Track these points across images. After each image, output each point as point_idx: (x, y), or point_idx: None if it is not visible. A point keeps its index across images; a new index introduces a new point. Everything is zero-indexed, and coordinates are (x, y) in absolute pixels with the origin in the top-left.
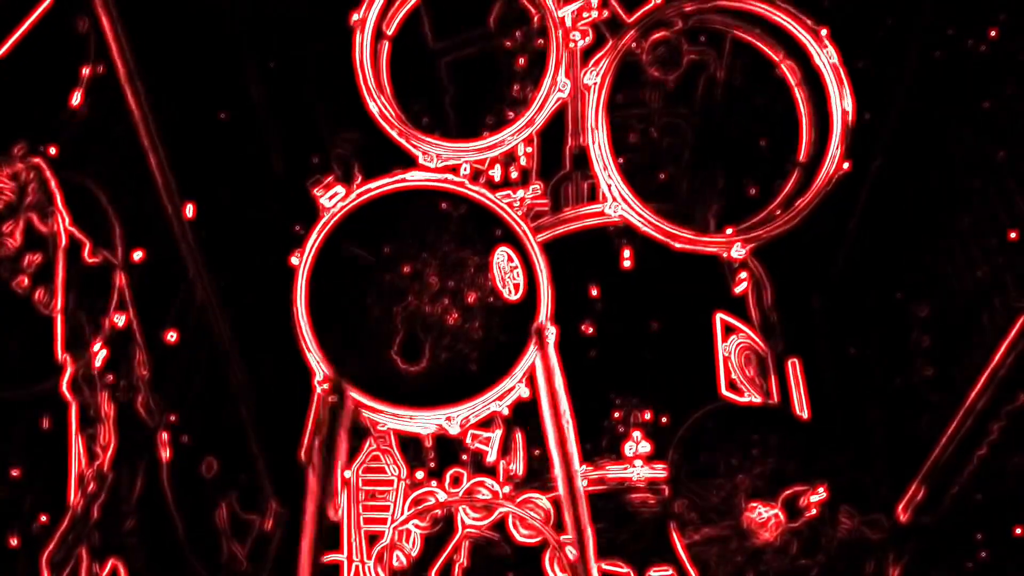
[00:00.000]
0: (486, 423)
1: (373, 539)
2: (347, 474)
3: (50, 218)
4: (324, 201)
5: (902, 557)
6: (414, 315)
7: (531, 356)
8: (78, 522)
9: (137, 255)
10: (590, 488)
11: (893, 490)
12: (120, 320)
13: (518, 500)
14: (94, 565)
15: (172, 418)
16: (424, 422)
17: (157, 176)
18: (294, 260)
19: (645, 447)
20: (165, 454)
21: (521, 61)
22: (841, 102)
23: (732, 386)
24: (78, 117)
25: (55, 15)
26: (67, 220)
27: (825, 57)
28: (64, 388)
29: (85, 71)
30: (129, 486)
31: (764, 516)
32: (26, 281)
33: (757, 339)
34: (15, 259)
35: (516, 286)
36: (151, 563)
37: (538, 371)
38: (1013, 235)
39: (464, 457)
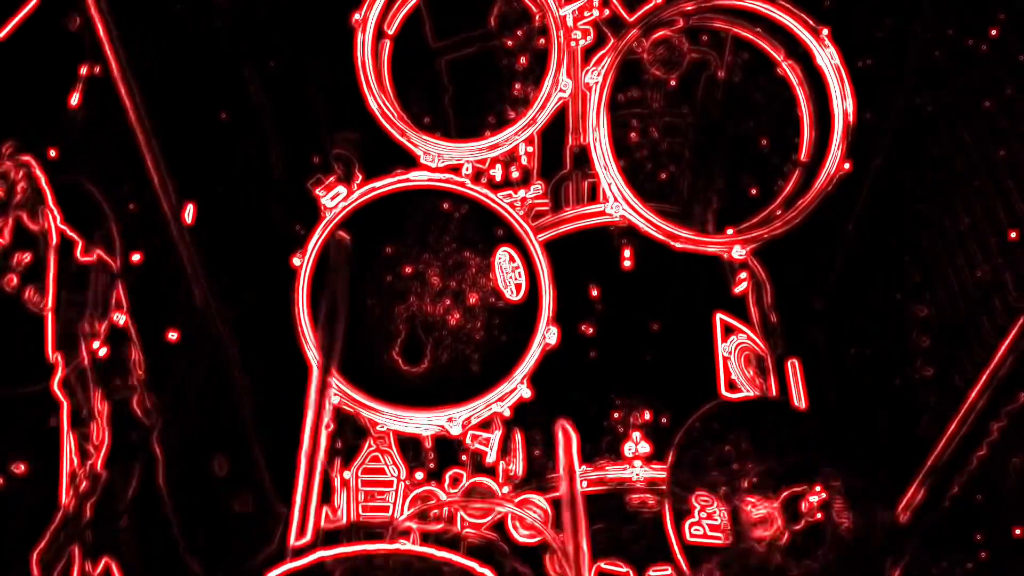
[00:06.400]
0: (486, 424)
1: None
2: (346, 475)
3: (40, 216)
4: (325, 201)
5: (902, 557)
6: (415, 315)
7: (531, 359)
8: (69, 521)
9: (135, 256)
10: (590, 489)
11: (893, 490)
12: (116, 320)
13: (517, 500)
14: (86, 564)
15: (168, 417)
16: (424, 423)
17: (153, 176)
18: (295, 261)
19: (645, 447)
20: (161, 453)
21: (522, 60)
22: (842, 102)
23: (732, 386)
24: (75, 117)
25: (50, 14)
26: (58, 218)
27: (826, 57)
28: (55, 387)
29: (82, 71)
30: (123, 485)
31: (761, 513)
32: (15, 280)
33: (757, 339)
34: (4, 258)
35: (517, 286)
36: (145, 562)
37: None
38: (1013, 235)
39: (464, 458)
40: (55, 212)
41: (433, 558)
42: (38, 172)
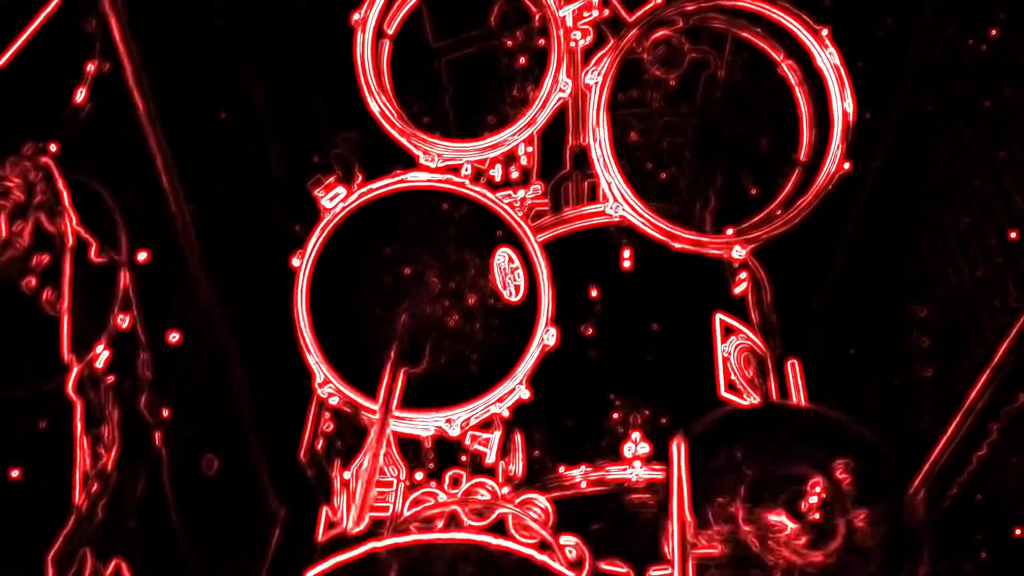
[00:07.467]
0: (485, 424)
1: None
2: (346, 475)
3: (58, 218)
4: (325, 202)
5: (903, 557)
6: (415, 316)
7: (530, 359)
8: (82, 522)
9: (141, 255)
10: (590, 489)
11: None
12: (124, 321)
13: (517, 501)
14: (98, 564)
15: (173, 418)
16: (424, 423)
17: (162, 176)
18: (295, 261)
19: (644, 448)
20: (166, 454)
21: (522, 60)
22: (842, 102)
23: (731, 387)
24: (83, 114)
25: (60, 13)
26: (75, 220)
27: (826, 57)
28: (70, 389)
29: (90, 67)
30: (132, 486)
31: (768, 519)
32: (34, 281)
33: (757, 340)
34: (23, 259)
35: (517, 287)
36: (154, 562)
37: None
38: (1013, 235)
39: (463, 458)
40: (72, 214)
41: (491, 547)
42: (56, 173)
